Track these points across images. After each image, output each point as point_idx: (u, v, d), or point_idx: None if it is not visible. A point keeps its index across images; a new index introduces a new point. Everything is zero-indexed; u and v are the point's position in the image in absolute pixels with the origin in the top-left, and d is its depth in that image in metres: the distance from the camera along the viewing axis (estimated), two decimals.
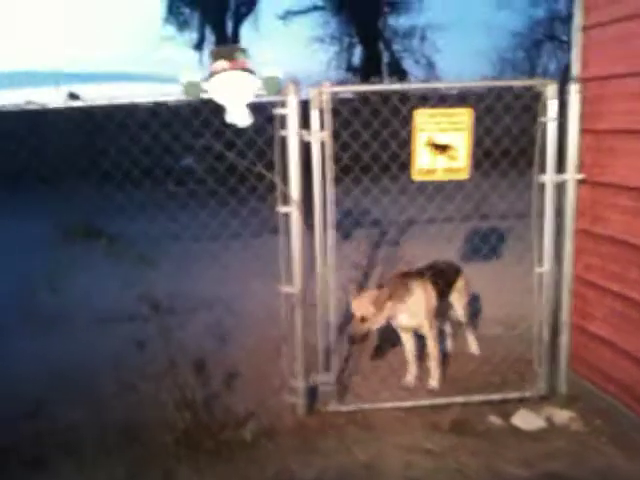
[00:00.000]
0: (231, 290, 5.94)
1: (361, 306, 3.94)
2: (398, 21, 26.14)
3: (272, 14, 27.42)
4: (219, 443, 3.63)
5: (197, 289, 6.01)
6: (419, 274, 4.28)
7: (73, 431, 3.81)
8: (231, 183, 3.92)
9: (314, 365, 3.96)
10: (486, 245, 5.03)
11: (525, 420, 3.86)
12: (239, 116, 3.49)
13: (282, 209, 3.68)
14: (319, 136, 3.63)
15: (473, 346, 4.82)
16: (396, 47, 26.26)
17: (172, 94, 3.54)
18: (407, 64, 26.27)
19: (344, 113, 3.87)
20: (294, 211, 3.67)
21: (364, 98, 4.17)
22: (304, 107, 3.61)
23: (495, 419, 3.87)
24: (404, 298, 4.07)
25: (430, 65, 26.01)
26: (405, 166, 3.84)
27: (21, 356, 4.91)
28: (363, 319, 3.93)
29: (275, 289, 3.82)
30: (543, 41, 25.09)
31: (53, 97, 4.36)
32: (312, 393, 3.96)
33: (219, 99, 3.47)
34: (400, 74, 24.14)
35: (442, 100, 3.99)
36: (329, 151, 3.66)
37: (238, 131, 3.64)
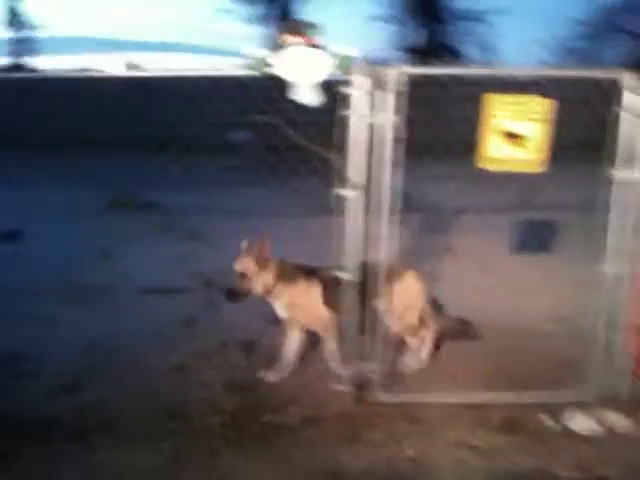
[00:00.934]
0: None
1: (244, 262, 3.83)
2: (459, 3, 25.64)
3: None
4: (265, 426, 3.58)
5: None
6: (310, 272, 4.04)
7: (117, 406, 3.81)
8: (291, 162, 3.82)
9: (362, 353, 3.87)
10: (537, 238, 4.86)
11: (579, 423, 3.71)
12: (309, 95, 3.38)
13: (340, 191, 3.57)
14: (385, 118, 3.50)
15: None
16: (455, 29, 25.77)
17: (233, 68, 3.44)
18: (465, 47, 25.81)
19: (410, 95, 3.71)
20: (352, 194, 3.56)
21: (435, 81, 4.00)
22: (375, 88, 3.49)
23: (547, 419, 3.74)
24: (285, 286, 3.91)
25: (489, 49, 25.50)
26: (470, 151, 3.68)
27: (65, 327, 4.92)
28: (243, 275, 3.82)
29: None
30: (603, 30, 24.33)
31: (111, 64, 4.32)
32: (361, 382, 3.88)
33: (287, 76, 3.36)
34: (458, 57, 23.71)
35: (504, 87, 3.81)
36: (394, 134, 3.53)
37: (303, 109, 3.54)
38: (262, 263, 3.84)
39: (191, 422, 3.62)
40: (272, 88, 3.56)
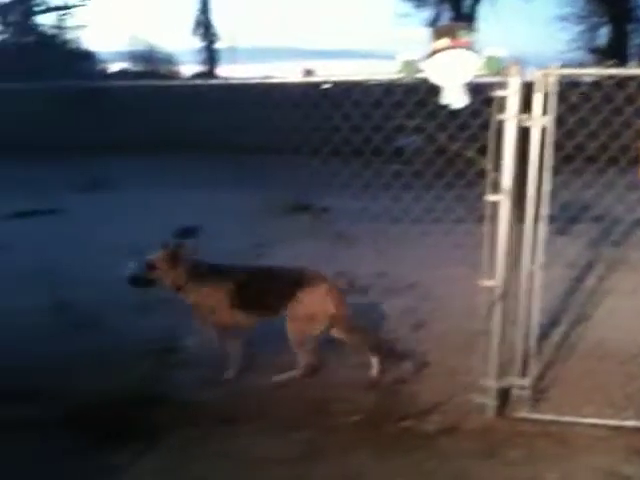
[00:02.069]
0: (430, 276, 5.80)
1: (156, 256, 4.10)
2: None
3: None
4: (401, 431, 3.57)
5: (395, 272, 5.97)
6: (222, 274, 4.15)
7: (262, 396, 3.99)
8: (438, 166, 3.77)
9: (509, 366, 3.71)
10: None
11: None
12: (455, 97, 3.32)
13: (491, 197, 3.46)
14: (540, 121, 3.34)
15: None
16: None
17: (387, 72, 3.47)
18: None
19: (572, 98, 3.52)
20: (504, 200, 3.44)
21: (596, 83, 3.76)
22: (527, 91, 3.35)
23: None
24: (194, 285, 4.09)
25: None
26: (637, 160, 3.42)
27: None
28: (150, 267, 4.08)
29: (476, 280, 3.63)
30: None
31: (290, 72, 4.55)
32: (503, 396, 3.72)
33: (435, 79, 3.33)
34: None
35: None
36: (550, 138, 3.36)
37: (452, 113, 3.48)
38: (174, 261, 4.08)
39: (329, 418, 3.70)
40: (422, 92, 3.54)
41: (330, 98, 3.95)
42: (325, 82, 3.85)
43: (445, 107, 3.41)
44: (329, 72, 3.79)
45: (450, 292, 5.35)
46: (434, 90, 3.37)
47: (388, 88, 3.72)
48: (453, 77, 3.28)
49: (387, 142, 4.00)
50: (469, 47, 3.26)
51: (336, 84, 3.78)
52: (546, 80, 3.27)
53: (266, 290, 4.11)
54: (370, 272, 5.92)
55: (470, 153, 3.46)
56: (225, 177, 10.51)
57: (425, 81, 3.36)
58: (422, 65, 3.34)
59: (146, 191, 11.40)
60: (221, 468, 3.28)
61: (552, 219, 3.51)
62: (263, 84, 3.69)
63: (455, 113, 3.47)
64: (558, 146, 3.39)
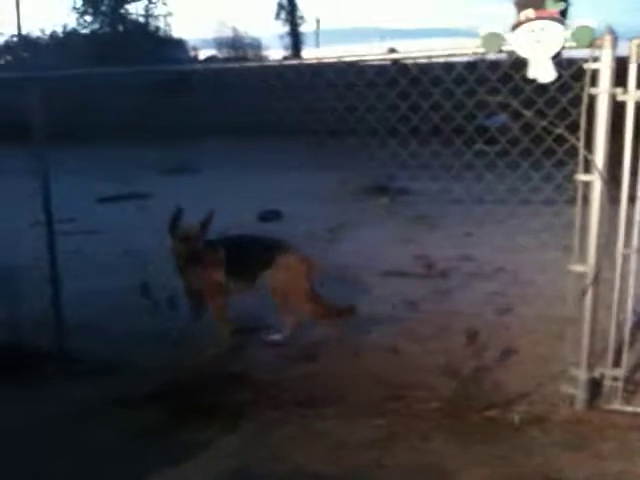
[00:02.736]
0: (517, 260, 5.57)
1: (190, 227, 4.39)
2: None
3: None
4: (484, 420, 3.45)
5: (480, 254, 5.79)
6: (212, 245, 4.43)
7: (340, 378, 3.96)
8: (524, 144, 3.59)
9: (601, 356, 3.52)
10: None
11: None
12: (542, 70, 3.14)
13: (582, 177, 3.26)
14: (636, 95, 3.12)
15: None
16: None
17: (470, 47, 3.31)
18: None
19: None
20: (597, 180, 3.23)
21: None
22: (622, 64, 3.13)
23: None
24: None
25: None
26: None
27: None
28: (187, 238, 4.32)
29: (566, 264, 3.45)
30: None
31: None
32: (594, 386, 3.53)
33: (522, 52, 3.15)
34: None
35: None
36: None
37: (539, 88, 3.29)
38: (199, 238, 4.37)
39: (408, 404, 3.63)
40: (507, 66, 3.36)
41: (406, 75, 3.82)
42: (405, 59, 3.74)
43: (532, 82, 3.24)
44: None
45: (539, 277, 5.13)
46: (520, 64, 3.20)
47: (470, 63, 3.56)
48: (540, 50, 3.10)
49: (469, 120, 3.84)
50: (556, 18, 3.07)
51: (415, 62, 3.67)
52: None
53: (248, 257, 4.47)
54: (453, 255, 5.78)
55: (559, 130, 3.26)
56: (302, 160, 10.56)
57: (510, 55, 3.20)
58: (506, 38, 3.17)
59: (228, 174, 11.61)
60: (301, 450, 3.27)
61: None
62: (345, 63, 3.63)
63: (543, 88, 3.29)
64: None
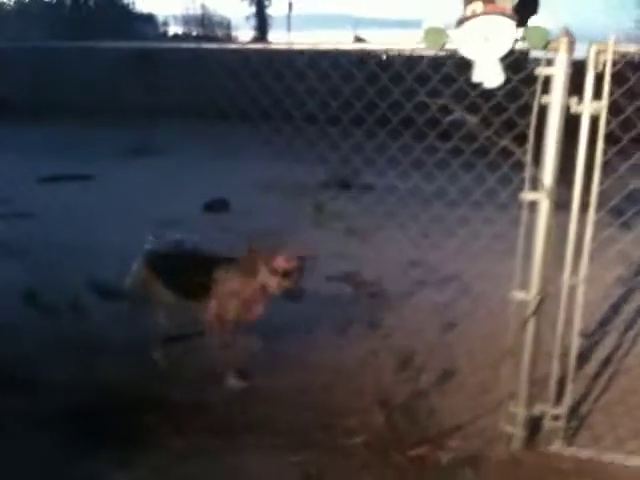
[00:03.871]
0: (469, 269, 5.22)
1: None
2: None
3: None
4: (411, 460, 3.11)
5: (429, 262, 5.43)
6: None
7: (267, 402, 3.61)
8: (470, 150, 3.24)
9: (543, 387, 3.20)
10: None
11: None
12: (488, 73, 2.77)
13: (528, 196, 2.91)
14: (592, 107, 2.76)
15: None
16: None
17: (409, 42, 2.93)
18: None
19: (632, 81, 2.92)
20: (544, 200, 2.88)
21: None
22: (579, 70, 2.77)
23: None
24: None
25: None
26: None
27: None
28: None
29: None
30: None
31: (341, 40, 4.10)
32: (534, 424, 3.21)
33: (465, 51, 2.77)
34: None
35: None
36: (603, 127, 2.79)
37: (485, 93, 2.93)
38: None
39: (333, 436, 3.27)
40: (449, 66, 2.99)
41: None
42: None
43: (477, 86, 2.87)
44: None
45: (494, 288, 4.73)
46: (464, 65, 2.83)
47: (410, 59, 3.19)
48: (487, 50, 2.73)
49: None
50: (508, 14, 2.69)
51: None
52: (600, 57, 2.68)
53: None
54: (400, 260, 5.45)
55: (505, 142, 2.90)
56: (264, 148, 10.17)
57: (453, 54, 2.82)
58: (450, 34, 2.79)
59: (187, 159, 11.18)
60: None
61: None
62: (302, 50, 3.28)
63: (488, 93, 2.92)
64: (614, 136, 2.82)
